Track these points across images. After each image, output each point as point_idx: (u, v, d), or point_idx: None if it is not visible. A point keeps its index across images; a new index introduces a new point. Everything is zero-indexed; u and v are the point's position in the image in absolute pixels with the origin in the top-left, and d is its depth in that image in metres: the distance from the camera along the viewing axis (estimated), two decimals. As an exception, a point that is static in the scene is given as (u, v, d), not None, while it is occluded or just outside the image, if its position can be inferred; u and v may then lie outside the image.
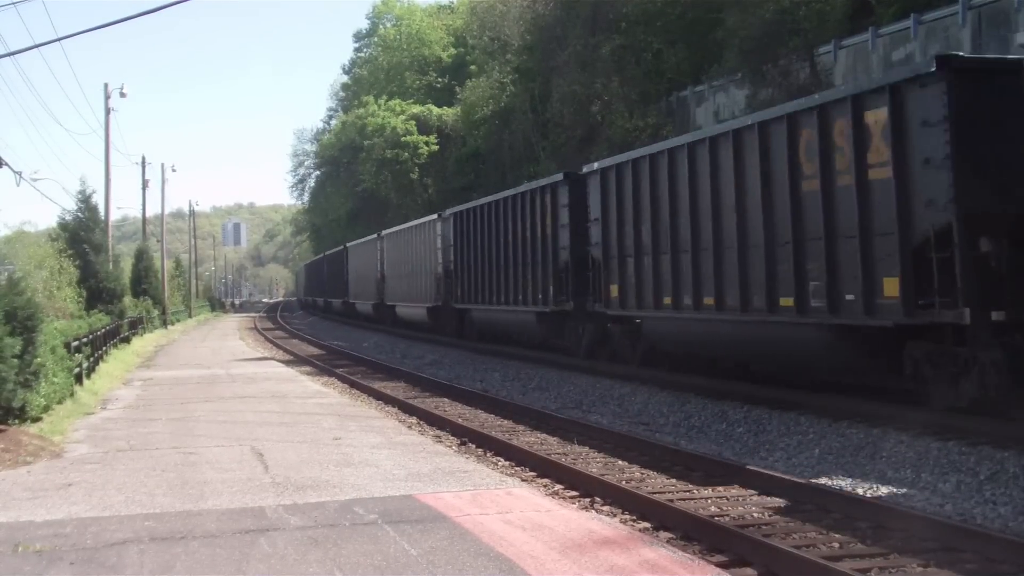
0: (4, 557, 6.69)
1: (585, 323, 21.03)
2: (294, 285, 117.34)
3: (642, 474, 10.79)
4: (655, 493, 9.59)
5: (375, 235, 44.54)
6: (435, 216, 33.97)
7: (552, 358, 22.67)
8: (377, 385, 20.58)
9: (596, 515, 8.43)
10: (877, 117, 11.92)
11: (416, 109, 58.35)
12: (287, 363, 27.26)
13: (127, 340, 34.02)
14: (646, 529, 8.33)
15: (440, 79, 63.66)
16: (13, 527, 7.53)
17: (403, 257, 38.46)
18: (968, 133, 10.89)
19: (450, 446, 12.74)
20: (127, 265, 49.74)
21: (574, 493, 9.90)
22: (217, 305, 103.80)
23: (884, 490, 9.64)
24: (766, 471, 10.40)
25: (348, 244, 53.60)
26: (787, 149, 13.56)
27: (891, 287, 11.70)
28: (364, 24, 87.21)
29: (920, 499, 9.22)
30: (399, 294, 39.48)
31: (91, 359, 21.55)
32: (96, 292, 35.16)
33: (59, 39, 45.72)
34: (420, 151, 55.59)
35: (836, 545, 7.69)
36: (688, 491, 9.83)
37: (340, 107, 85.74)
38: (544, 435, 13.78)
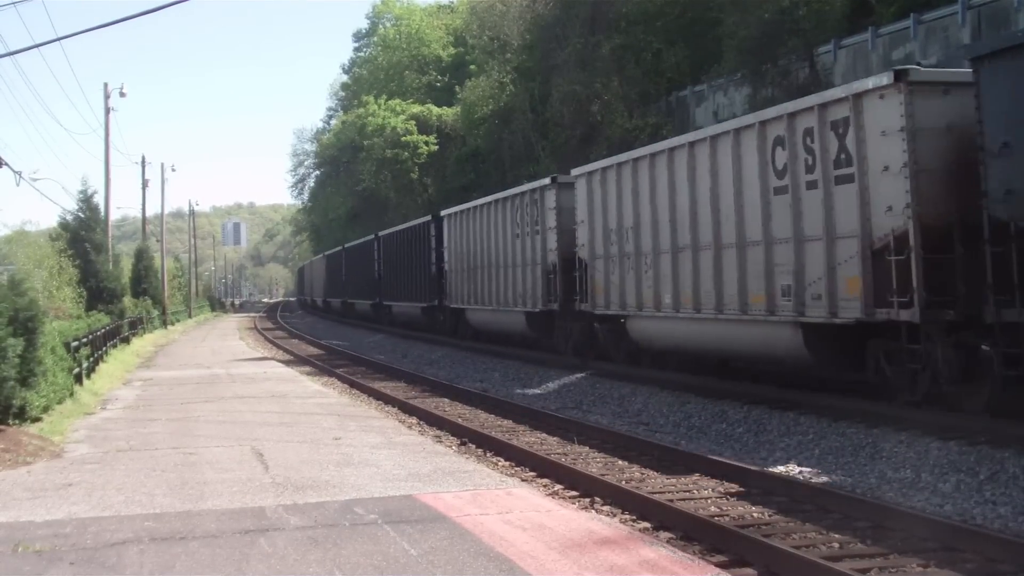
0: (4, 557, 6.69)
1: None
2: (295, 284, 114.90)
3: (642, 474, 10.80)
4: (655, 493, 9.59)
5: (547, 180, 23.46)
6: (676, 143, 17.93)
7: (553, 358, 22.73)
8: (377, 385, 20.58)
9: (596, 515, 8.44)
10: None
11: (416, 109, 58.33)
12: (287, 363, 27.27)
13: (127, 340, 34.01)
14: (646, 529, 8.33)
15: (440, 79, 63.66)
16: (13, 527, 7.53)
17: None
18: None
19: (450, 446, 12.75)
20: (127, 265, 49.70)
21: (574, 493, 9.90)
22: (217, 305, 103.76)
23: (884, 490, 9.64)
24: (767, 471, 10.41)
25: (444, 212, 32.89)
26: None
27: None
28: (364, 24, 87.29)
29: (920, 499, 9.22)
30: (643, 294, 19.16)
31: (91, 359, 21.55)
32: (96, 292, 35.18)
33: (59, 39, 45.79)
34: (420, 151, 55.58)
35: (836, 545, 7.69)
36: (688, 491, 9.83)
37: (340, 107, 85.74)
38: (544, 435, 13.79)
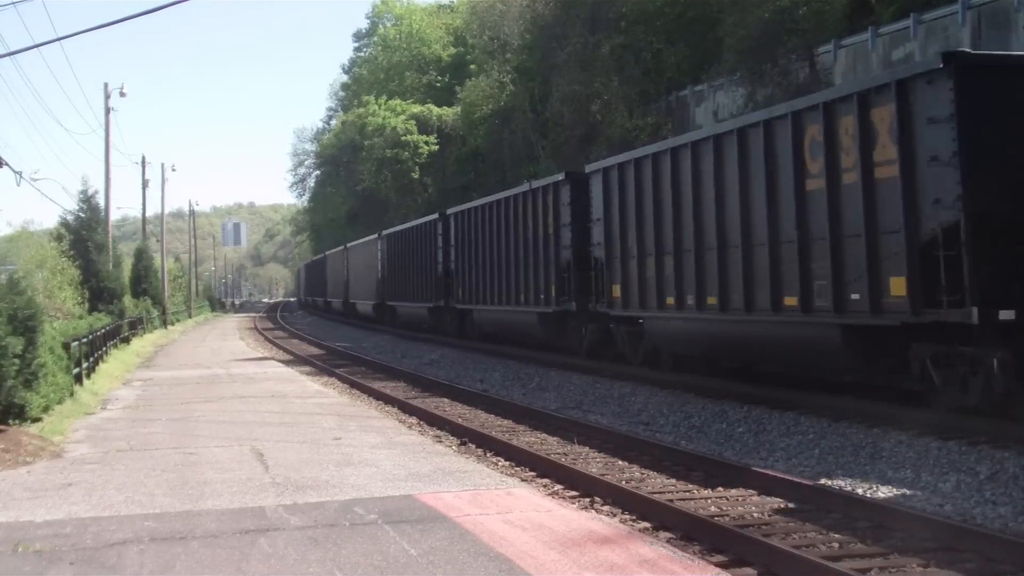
0: (4, 557, 6.69)
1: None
2: (299, 283, 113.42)
3: (642, 474, 10.79)
4: (655, 493, 9.59)
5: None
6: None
7: (552, 358, 22.74)
8: (377, 385, 20.58)
9: (596, 515, 8.43)
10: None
11: (416, 109, 58.33)
12: (287, 363, 27.26)
13: (127, 340, 34.02)
14: (646, 529, 8.33)
15: (440, 78, 63.66)
16: (13, 527, 7.53)
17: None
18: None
19: (450, 446, 12.74)
20: (127, 265, 49.69)
21: (574, 493, 9.89)
22: (217, 305, 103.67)
23: (884, 490, 9.64)
24: (767, 471, 10.40)
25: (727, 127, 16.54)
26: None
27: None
28: (364, 24, 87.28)
29: (920, 499, 9.22)
30: None
31: (91, 359, 21.55)
32: (97, 292, 35.20)
33: (59, 39, 45.79)
34: (420, 151, 55.58)
35: (836, 545, 7.69)
36: (688, 491, 9.83)
37: (340, 107, 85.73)
38: (544, 435, 13.78)
